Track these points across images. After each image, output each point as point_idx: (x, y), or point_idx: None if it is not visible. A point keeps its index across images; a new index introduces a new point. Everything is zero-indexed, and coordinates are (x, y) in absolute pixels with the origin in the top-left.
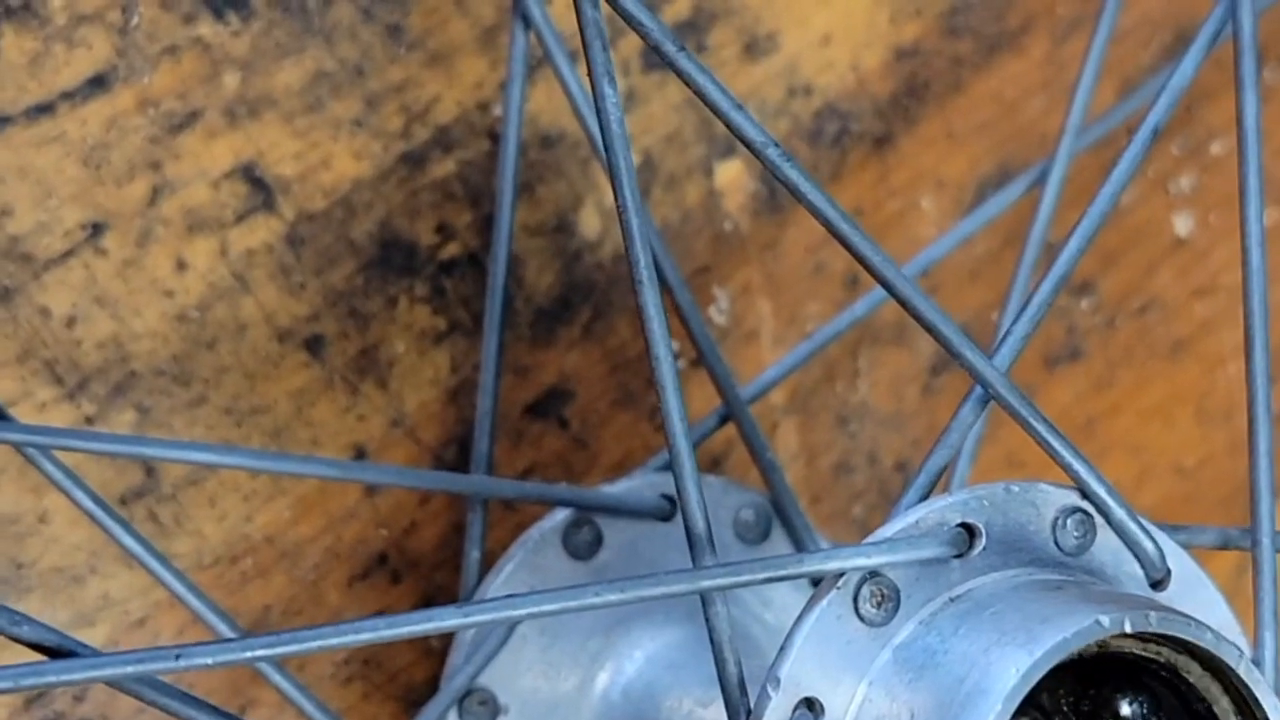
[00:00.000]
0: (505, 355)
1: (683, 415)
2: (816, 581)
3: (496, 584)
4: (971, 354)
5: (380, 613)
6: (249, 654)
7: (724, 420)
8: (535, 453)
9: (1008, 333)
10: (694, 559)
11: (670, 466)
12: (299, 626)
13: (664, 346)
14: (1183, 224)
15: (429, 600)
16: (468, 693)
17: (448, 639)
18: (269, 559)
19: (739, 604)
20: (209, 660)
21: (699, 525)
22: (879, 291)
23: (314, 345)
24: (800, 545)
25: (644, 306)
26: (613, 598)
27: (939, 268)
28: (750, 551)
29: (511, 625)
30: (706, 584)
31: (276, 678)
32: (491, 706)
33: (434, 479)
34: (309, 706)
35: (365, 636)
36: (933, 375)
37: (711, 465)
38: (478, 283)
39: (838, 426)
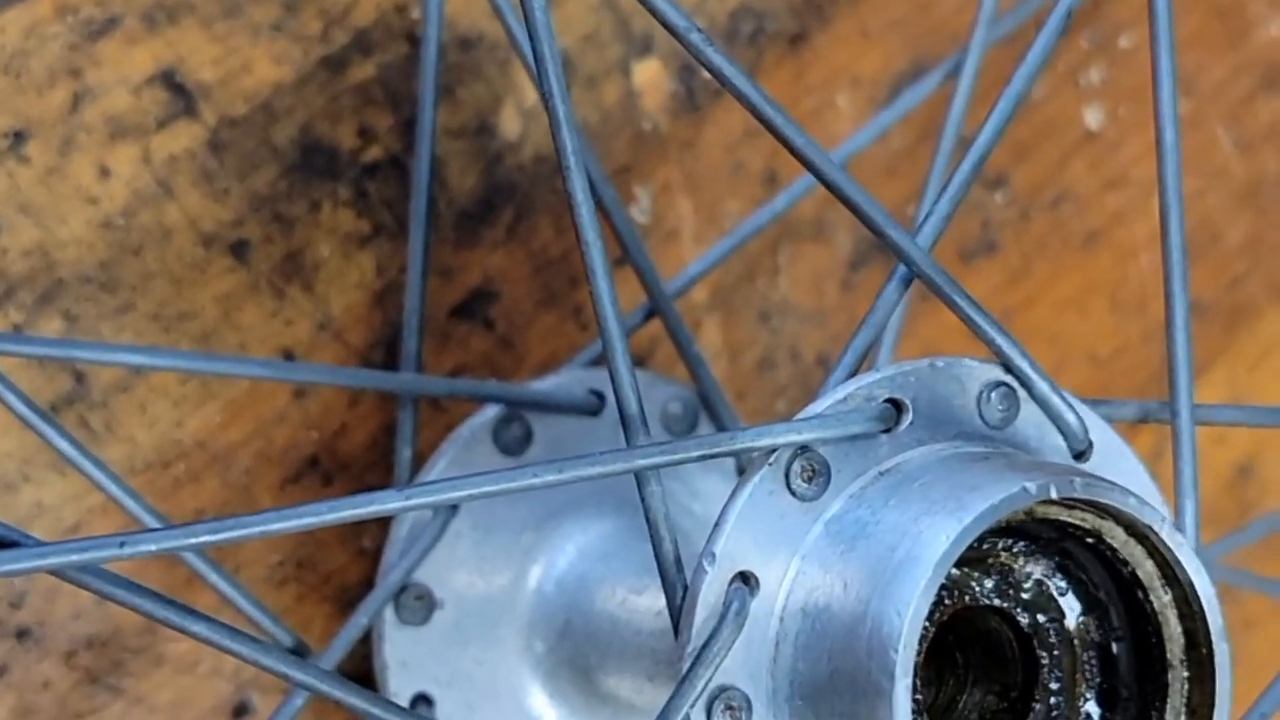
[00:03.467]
0: (429, 257)
1: (613, 298)
2: (744, 469)
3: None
4: (895, 233)
5: None
6: (193, 540)
7: (650, 315)
8: (462, 354)
9: (929, 213)
10: (628, 439)
11: (598, 360)
12: (239, 514)
13: (592, 231)
14: (1093, 117)
15: None
16: (403, 588)
17: (381, 540)
18: (200, 464)
19: (669, 497)
20: (153, 547)
21: (632, 406)
22: (800, 186)
23: (239, 250)
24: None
25: (572, 192)
26: (551, 478)
27: (856, 164)
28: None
29: (445, 521)
30: (642, 462)
31: (213, 577)
32: (428, 601)
33: (364, 377)
34: (246, 605)
35: (307, 521)
36: (852, 270)
37: (638, 362)
38: (400, 186)
39: (759, 323)
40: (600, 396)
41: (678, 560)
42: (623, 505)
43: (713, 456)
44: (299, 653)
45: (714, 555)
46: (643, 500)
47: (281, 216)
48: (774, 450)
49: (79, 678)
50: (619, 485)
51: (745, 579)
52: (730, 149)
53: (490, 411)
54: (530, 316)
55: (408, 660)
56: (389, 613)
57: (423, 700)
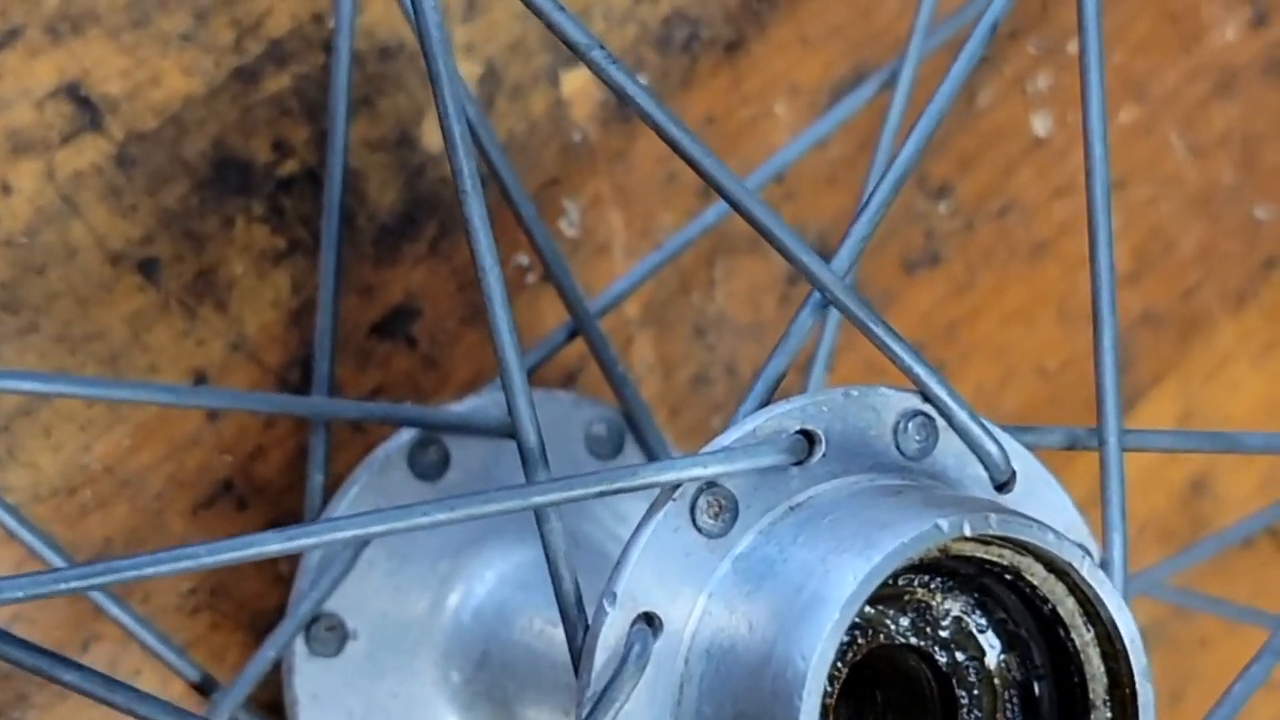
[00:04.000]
0: (349, 274)
1: (511, 327)
2: None
3: (342, 507)
4: (807, 258)
5: None
6: (64, 585)
7: (573, 334)
8: (383, 374)
9: (846, 235)
10: (526, 475)
11: None
12: (124, 555)
13: (490, 257)
14: (1041, 124)
15: (275, 525)
16: (315, 618)
17: (297, 565)
18: (109, 489)
19: (593, 520)
20: (19, 594)
21: (530, 439)
22: None
23: (148, 268)
24: (653, 458)
25: (469, 218)
26: (441, 516)
27: (795, 174)
28: (603, 467)
29: (358, 549)
30: (538, 499)
31: (115, 610)
32: (340, 632)
33: (273, 401)
34: (150, 639)
35: (185, 565)
36: (789, 284)
37: (566, 381)
38: (317, 200)
39: (695, 338)
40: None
41: (579, 600)
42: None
43: (613, 493)
44: (205, 687)
45: (615, 595)
46: (542, 537)
47: (193, 233)
48: (678, 485)
49: None
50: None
51: (649, 619)
52: (663, 160)
53: (406, 435)
54: (454, 334)
55: (319, 693)
56: (299, 644)
57: None
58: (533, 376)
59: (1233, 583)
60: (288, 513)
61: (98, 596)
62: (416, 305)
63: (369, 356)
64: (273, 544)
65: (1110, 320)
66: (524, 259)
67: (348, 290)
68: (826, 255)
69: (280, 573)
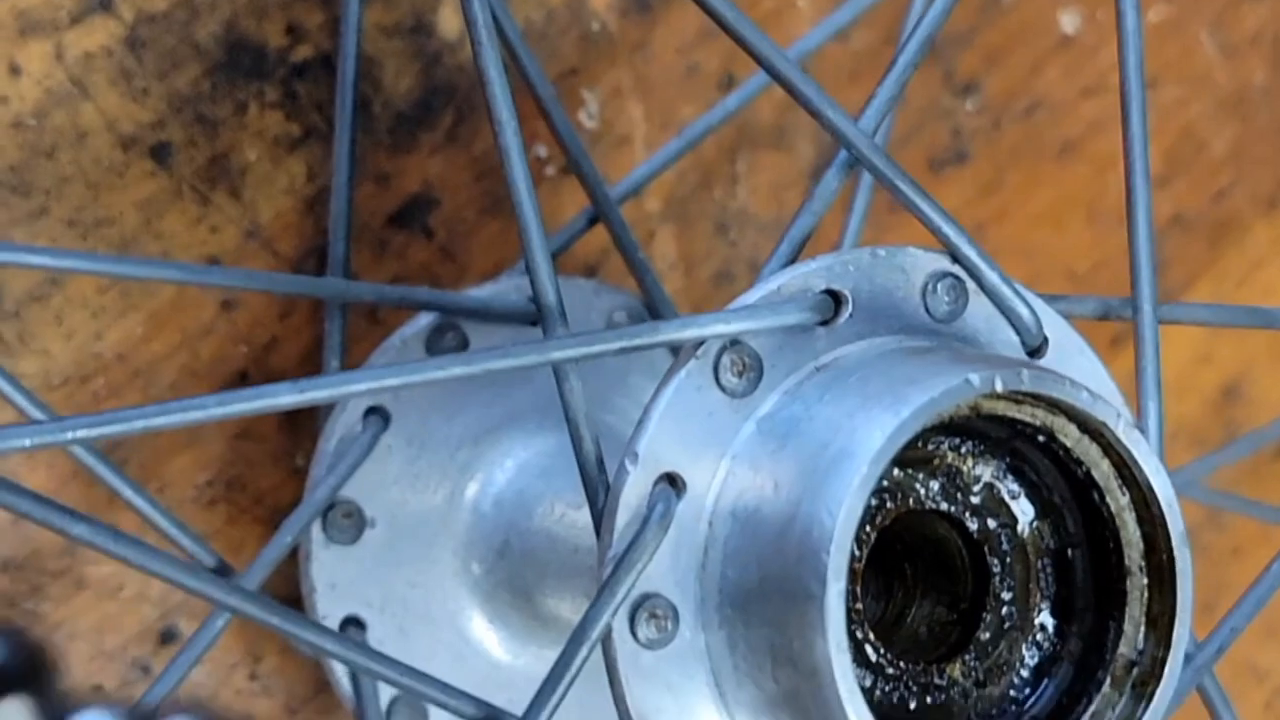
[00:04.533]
0: (364, 162)
1: (528, 180)
2: None
3: None
4: (835, 115)
5: (243, 432)
6: (70, 434)
7: (593, 221)
8: (400, 264)
9: (873, 95)
10: (545, 331)
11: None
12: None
13: (506, 110)
14: (1069, 21)
15: (290, 418)
16: (332, 505)
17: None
18: (122, 378)
19: (615, 411)
20: (26, 442)
21: (549, 296)
22: (754, 85)
23: (160, 153)
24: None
25: (483, 69)
26: (458, 370)
27: (818, 68)
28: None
29: (375, 435)
30: (557, 355)
31: (130, 494)
32: (357, 519)
33: (289, 282)
34: (166, 524)
35: (194, 415)
36: (813, 179)
37: (587, 274)
38: (332, 86)
39: (717, 234)
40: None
41: (599, 461)
42: (565, 419)
43: (634, 349)
44: (222, 574)
45: (637, 455)
46: (561, 397)
47: (205, 118)
48: (701, 342)
49: None
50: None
51: (671, 480)
52: (683, 51)
53: (424, 320)
54: (472, 225)
55: (336, 581)
56: (316, 531)
57: (353, 623)
58: (553, 266)
59: (1266, 490)
60: (303, 379)
61: (113, 480)
62: (434, 195)
63: (386, 247)
64: (285, 395)
65: (1143, 186)
66: (543, 150)
67: (363, 179)
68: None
69: (297, 466)
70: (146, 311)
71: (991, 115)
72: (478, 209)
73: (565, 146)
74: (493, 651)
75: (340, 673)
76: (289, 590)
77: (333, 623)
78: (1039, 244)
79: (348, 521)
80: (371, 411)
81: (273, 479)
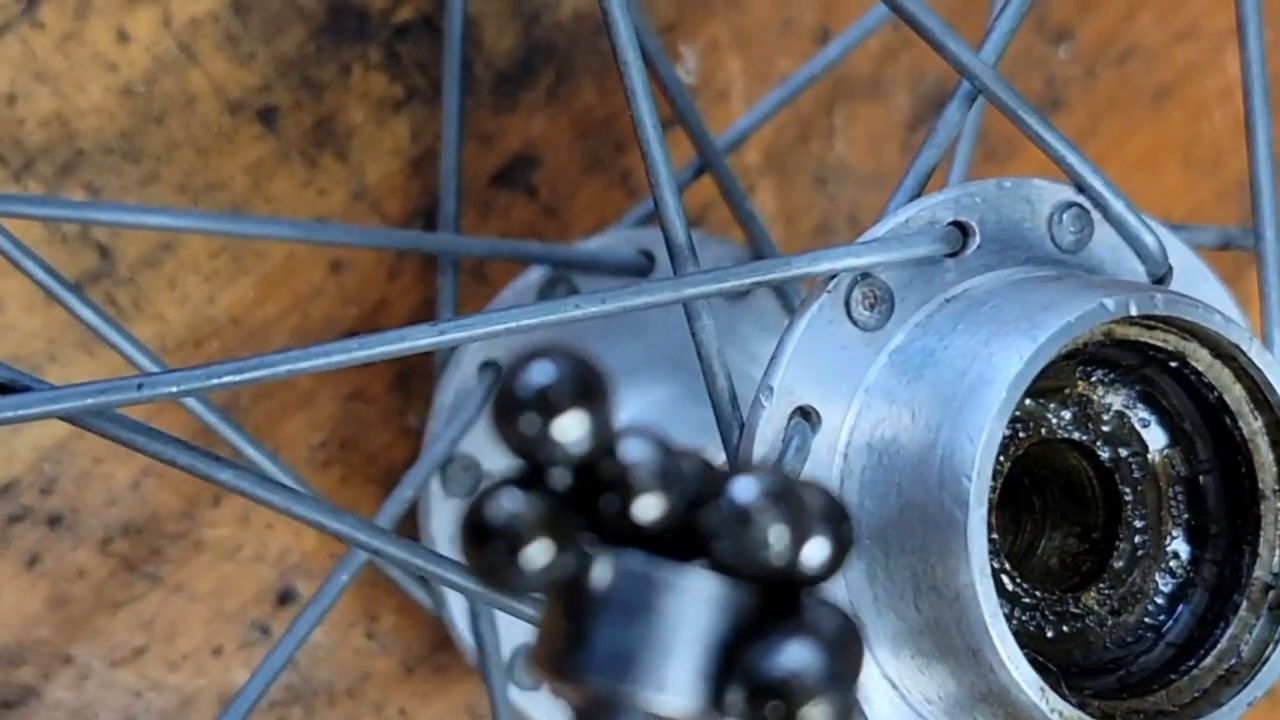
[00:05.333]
0: (467, 122)
1: (655, 121)
2: None
3: (472, 349)
4: (957, 47)
5: (355, 393)
6: (214, 381)
7: (700, 172)
8: (504, 223)
9: (992, 27)
10: (675, 269)
11: (648, 219)
12: (273, 351)
13: (632, 51)
14: None
15: (401, 378)
16: (450, 459)
17: (427, 417)
18: (235, 340)
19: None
20: (173, 388)
21: (679, 235)
22: (853, 34)
23: (268, 116)
24: (782, 294)
25: (608, 9)
26: (593, 309)
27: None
28: (735, 304)
29: (490, 388)
30: (690, 291)
31: (250, 450)
32: (475, 472)
33: (402, 238)
34: (285, 478)
35: (337, 359)
36: (910, 131)
37: (691, 224)
38: (434, 47)
39: (816, 187)
40: (650, 257)
41: (734, 397)
42: (678, 371)
43: (765, 284)
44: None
45: (771, 389)
46: (693, 335)
47: (311, 81)
48: (833, 276)
49: (115, 565)
50: (674, 349)
51: (805, 414)
52: (780, 4)
53: (535, 274)
54: (575, 183)
55: (456, 535)
56: (435, 485)
57: None
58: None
59: None
60: (410, 365)
61: (232, 435)
62: (536, 154)
63: (490, 206)
64: (424, 338)
65: (1264, 111)
66: None
67: (466, 139)
68: (945, 101)
69: (409, 425)
70: (258, 275)
71: (1085, 63)
72: (579, 167)
73: (672, 99)
74: None
75: (462, 626)
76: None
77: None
78: (1134, 191)
79: (466, 475)
80: (486, 366)
81: (385, 439)
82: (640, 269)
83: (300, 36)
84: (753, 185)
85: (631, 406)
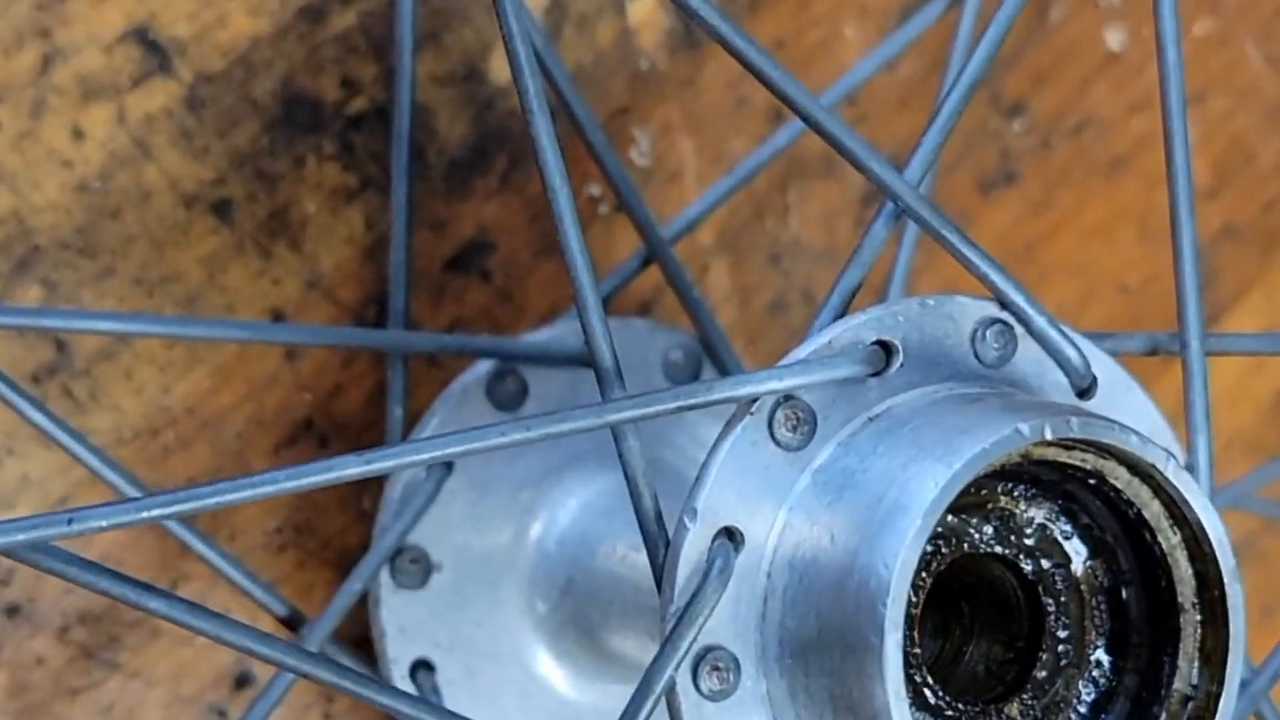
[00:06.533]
0: (421, 209)
1: (583, 245)
2: None
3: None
4: (879, 167)
5: None
6: (146, 514)
7: (647, 262)
8: (458, 308)
9: (918, 145)
10: (602, 393)
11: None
12: (201, 484)
13: (559, 176)
14: (1114, 38)
15: None
16: (399, 551)
17: (380, 500)
18: (190, 430)
19: (672, 447)
20: (103, 523)
21: (605, 359)
22: (800, 122)
23: (222, 209)
24: None
25: (536, 136)
26: (518, 436)
27: (867, 97)
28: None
29: (439, 481)
30: (614, 417)
31: (201, 547)
32: (424, 564)
33: (350, 335)
34: (236, 575)
35: (265, 490)
36: (864, 207)
37: (641, 312)
38: (388, 137)
39: (770, 265)
40: None
41: (659, 517)
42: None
43: (689, 408)
44: (293, 621)
45: (695, 511)
46: (620, 456)
47: (265, 173)
48: (755, 399)
49: (73, 653)
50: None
51: (730, 534)
52: (732, 85)
53: (483, 367)
54: (529, 267)
55: (406, 625)
56: (384, 577)
57: (423, 666)
58: (608, 306)
59: None
60: (368, 449)
61: (184, 534)
62: (490, 239)
63: (444, 291)
64: (353, 467)
65: (1189, 222)
66: (595, 190)
67: (420, 225)
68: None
69: (364, 509)
70: (212, 365)
71: (1040, 135)
72: (534, 251)
73: (617, 189)
74: (559, 688)
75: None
76: (360, 631)
77: (403, 666)
78: (1091, 260)
79: (415, 567)
80: None
81: (340, 523)
82: (587, 359)
83: (254, 130)
84: (707, 265)
85: (579, 495)
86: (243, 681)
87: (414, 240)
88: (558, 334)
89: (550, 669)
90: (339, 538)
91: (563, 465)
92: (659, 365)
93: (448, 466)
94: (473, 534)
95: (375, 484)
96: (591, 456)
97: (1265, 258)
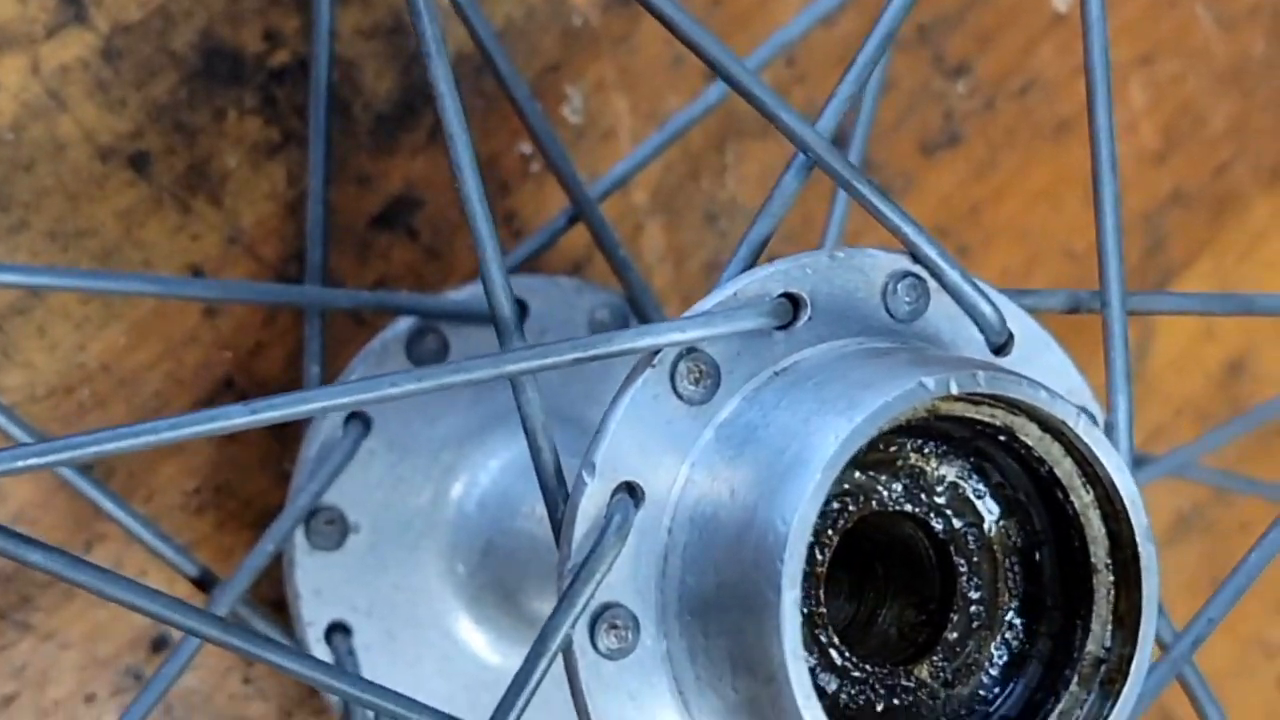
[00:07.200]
0: (347, 165)
1: (481, 193)
2: None
3: None
4: (789, 118)
5: (230, 439)
6: (22, 463)
7: (573, 220)
8: (385, 266)
9: (831, 96)
10: (501, 343)
11: (521, 266)
12: (83, 432)
13: (457, 123)
14: None
15: (278, 425)
16: (314, 511)
17: None
18: (106, 388)
19: (599, 404)
20: None
21: (504, 309)
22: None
23: (139, 162)
24: None
25: (434, 82)
26: (410, 386)
27: (805, 56)
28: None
29: (355, 441)
30: (511, 368)
31: (109, 505)
32: (341, 525)
33: (265, 291)
34: (148, 536)
35: (145, 440)
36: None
37: (573, 271)
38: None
39: (706, 225)
40: (524, 305)
41: (558, 471)
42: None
43: (588, 360)
44: (205, 582)
45: (594, 465)
46: (519, 409)
47: (183, 126)
48: (657, 352)
49: None
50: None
51: (630, 489)
52: (669, 42)
53: (404, 324)
54: (457, 225)
55: (321, 588)
56: (299, 538)
57: (339, 629)
58: (537, 265)
59: (1275, 468)
60: (255, 399)
61: (98, 496)
62: (417, 195)
63: (370, 249)
64: (238, 417)
65: (1110, 179)
66: (526, 148)
67: (346, 181)
68: (842, 137)
69: (285, 471)
70: (129, 321)
71: (984, 96)
72: (461, 209)
73: (542, 145)
74: (480, 653)
75: None
76: (276, 593)
77: (318, 629)
78: (1036, 224)
79: (331, 528)
80: (352, 417)
81: (261, 484)
82: None
83: (172, 81)
84: (641, 224)
85: (501, 456)
86: (160, 644)
87: (339, 196)
88: (479, 292)
89: (471, 633)
90: (259, 499)
91: (484, 426)
92: (585, 324)
93: (365, 426)
94: (392, 495)
95: (296, 445)
96: (513, 417)
97: (1215, 223)
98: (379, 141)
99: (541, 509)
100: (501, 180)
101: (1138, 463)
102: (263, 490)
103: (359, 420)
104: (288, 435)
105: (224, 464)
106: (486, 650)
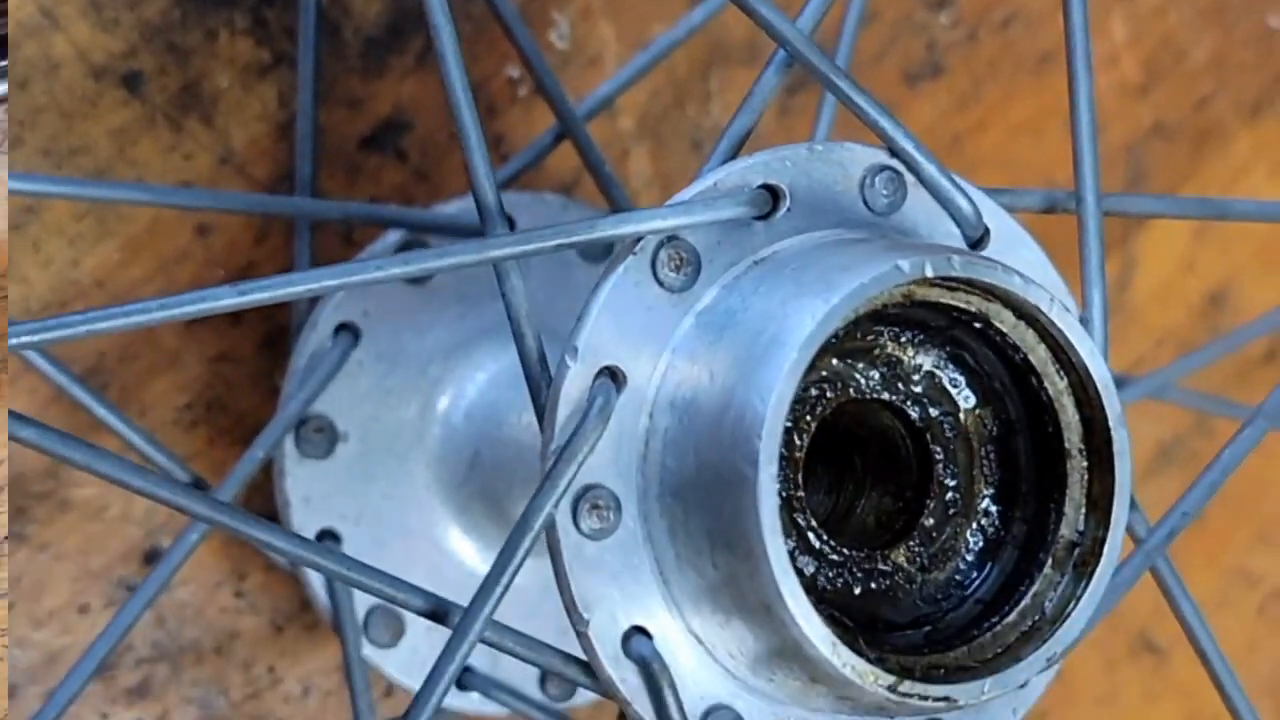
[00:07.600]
0: (336, 87)
1: (465, 84)
2: None
3: (328, 311)
4: (770, 13)
5: (222, 355)
6: (14, 341)
7: (560, 138)
8: (374, 187)
9: None
10: (484, 230)
11: (509, 182)
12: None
13: (441, 14)
14: None
15: (270, 338)
16: (304, 420)
17: None
18: (100, 303)
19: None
20: None
21: (488, 196)
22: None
23: (132, 82)
24: None
25: None
26: (395, 270)
27: None
28: (595, 268)
29: (344, 350)
30: (495, 254)
31: (101, 411)
32: (329, 434)
33: (254, 201)
34: (141, 443)
35: (136, 319)
36: (788, 95)
37: (562, 191)
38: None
39: (692, 151)
40: (510, 221)
41: (542, 357)
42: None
43: (570, 246)
44: (197, 489)
45: (576, 349)
46: (503, 296)
47: (176, 46)
48: (639, 239)
49: None
50: (533, 311)
51: (612, 374)
52: None
53: (392, 237)
54: (445, 147)
55: (310, 495)
56: (289, 446)
57: (329, 537)
58: (525, 183)
59: (1255, 395)
60: (281, 327)
61: (93, 406)
62: (406, 118)
63: (359, 170)
64: (226, 298)
65: (1085, 76)
66: (515, 71)
67: (336, 103)
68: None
69: (276, 387)
70: (123, 238)
71: (967, 28)
72: (450, 131)
73: (529, 63)
74: (468, 562)
75: (318, 585)
76: (265, 506)
77: (308, 536)
78: (1018, 155)
79: (320, 436)
80: (341, 328)
81: (252, 400)
82: None
83: (165, 2)
84: (627, 150)
85: (488, 367)
86: (152, 556)
87: (330, 118)
88: (467, 205)
89: (459, 542)
90: (251, 414)
91: (472, 338)
92: None
93: (355, 337)
94: (380, 406)
95: (286, 361)
96: (501, 328)
97: (1196, 155)
98: (368, 64)
99: (529, 417)
100: (488, 104)
101: (1117, 384)
102: (254, 406)
103: (348, 331)
104: (279, 352)
105: (216, 380)
106: (474, 559)
